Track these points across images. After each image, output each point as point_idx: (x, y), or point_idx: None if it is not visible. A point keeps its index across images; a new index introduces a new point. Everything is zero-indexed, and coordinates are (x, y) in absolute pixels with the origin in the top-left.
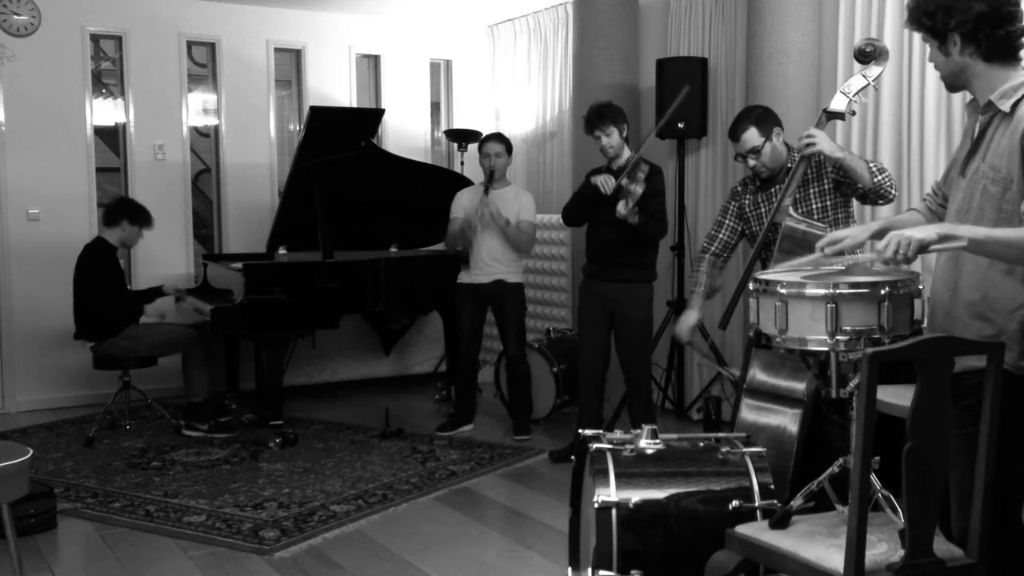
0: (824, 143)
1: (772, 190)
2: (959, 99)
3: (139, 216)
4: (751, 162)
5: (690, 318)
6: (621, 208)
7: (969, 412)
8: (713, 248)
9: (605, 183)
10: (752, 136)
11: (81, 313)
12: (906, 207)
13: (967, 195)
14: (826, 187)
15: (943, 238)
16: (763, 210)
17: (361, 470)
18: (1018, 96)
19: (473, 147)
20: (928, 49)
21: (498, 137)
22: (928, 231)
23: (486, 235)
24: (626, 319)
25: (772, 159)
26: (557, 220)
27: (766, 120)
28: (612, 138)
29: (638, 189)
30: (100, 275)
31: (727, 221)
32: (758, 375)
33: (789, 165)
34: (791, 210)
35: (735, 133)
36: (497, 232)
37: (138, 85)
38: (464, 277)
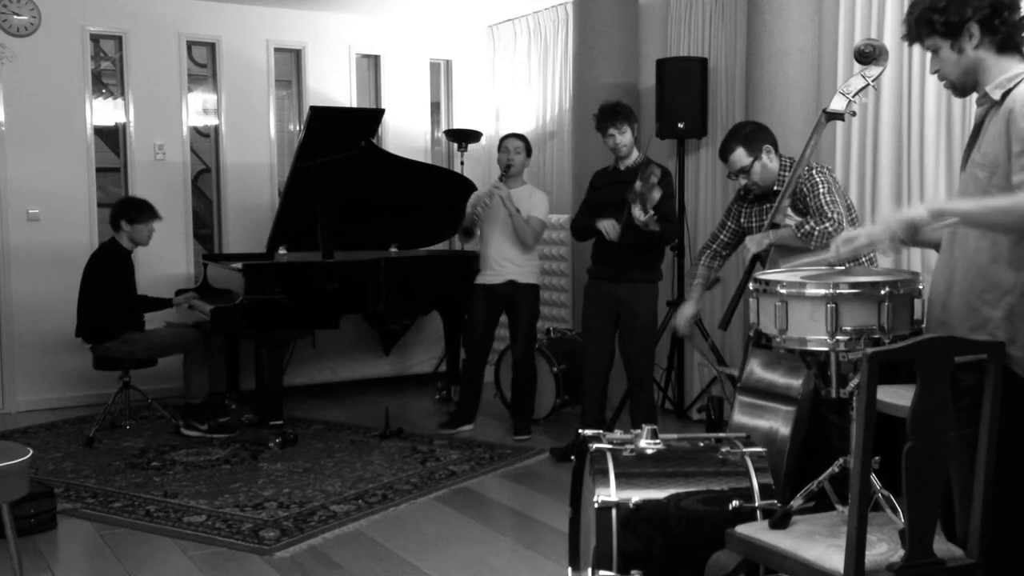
0: (751, 245)
1: (765, 207)
2: (959, 100)
3: (136, 213)
4: (742, 180)
5: (688, 310)
6: (639, 214)
7: (967, 412)
8: (714, 247)
9: (612, 230)
10: (740, 156)
11: (82, 314)
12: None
13: (963, 185)
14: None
15: (934, 215)
16: (754, 224)
17: (361, 470)
18: (1010, 85)
19: (473, 147)
20: (929, 57)
21: (519, 136)
22: (918, 209)
23: (496, 234)
24: (632, 319)
25: (762, 177)
26: (557, 220)
27: (755, 139)
28: (625, 136)
29: (655, 195)
30: (105, 279)
31: (729, 223)
32: (756, 372)
33: (783, 175)
34: (790, 211)
35: (723, 153)
36: (507, 231)
37: (138, 85)
38: (479, 278)
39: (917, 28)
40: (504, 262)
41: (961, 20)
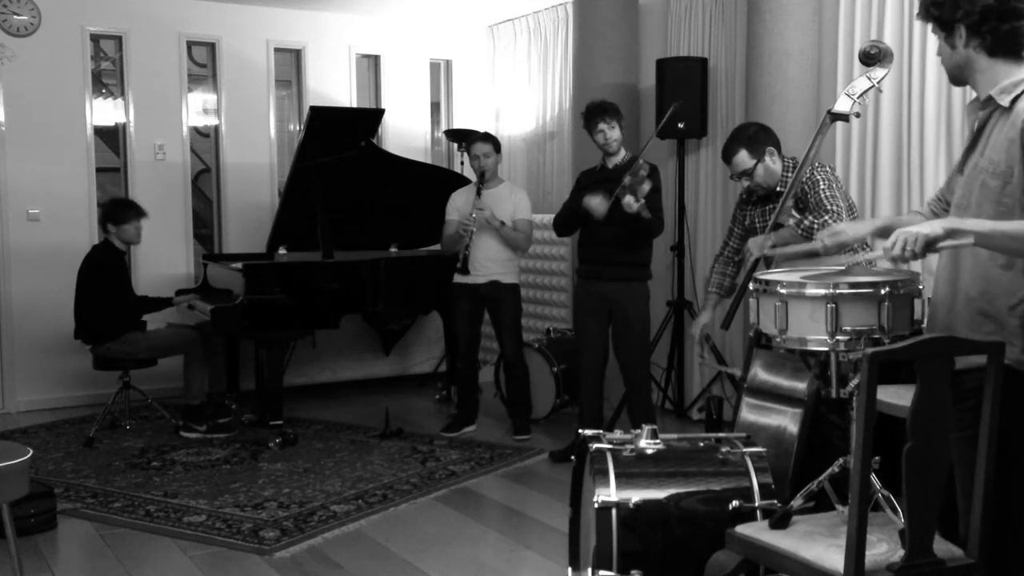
0: (755, 249)
1: (768, 208)
2: (959, 100)
3: (119, 214)
4: (744, 182)
5: (703, 318)
6: (632, 203)
7: (971, 414)
8: (726, 253)
9: (599, 207)
10: (743, 159)
11: (80, 317)
12: (905, 208)
13: (965, 190)
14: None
15: (949, 233)
16: (758, 225)
17: (361, 470)
18: (1018, 91)
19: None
20: (929, 46)
21: (484, 137)
22: (934, 226)
23: (481, 236)
24: (624, 319)
25: (765, 179)
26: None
27: (758, 141)
28: (615, 132)
29: (645, 187)
30: (100, 280)
31: (736, 228)
32: (760, 374)
33: (786, 177)
34: (794, 211)
35: (726, 155)
36: (492, 233)
37: (138, 85)
38: (459, 277)
39: (920, 11)
40: (486, 262)
41: (952, 20)
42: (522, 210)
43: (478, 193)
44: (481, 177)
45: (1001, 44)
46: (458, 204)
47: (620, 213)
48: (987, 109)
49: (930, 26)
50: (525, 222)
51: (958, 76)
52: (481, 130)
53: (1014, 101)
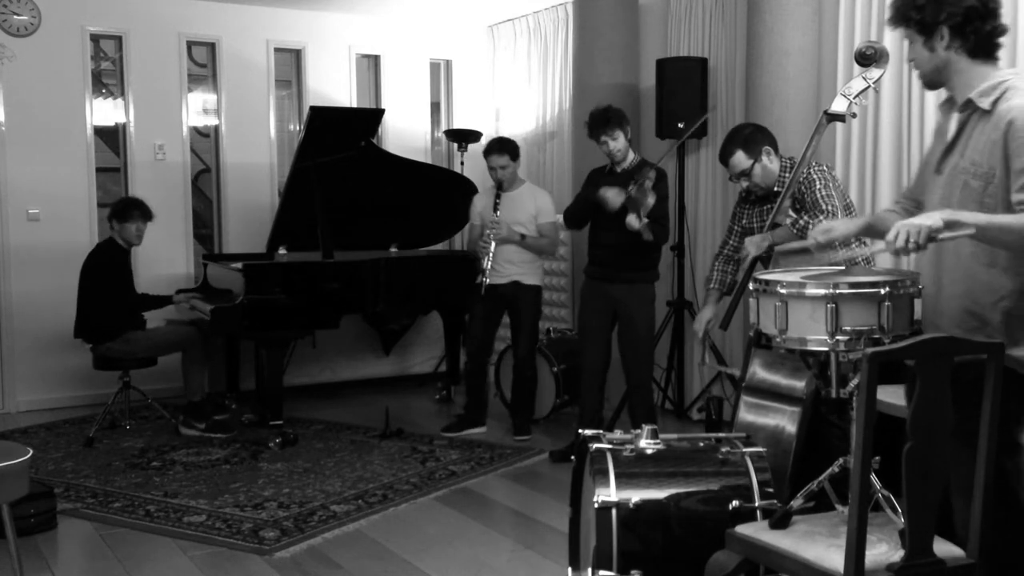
0: (751, 248)
1: (766, 208)
2: None
3: (125, 212)
4: (743, 183)
5: (705, 314)
6: (634, 222)
7: (964, 411)
8: (725, 251)
9: (614, 199)
10: (740, 160)
11: (82, 314)
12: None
13: (946, 192)
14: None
15: (948, 224)
16: (755, 224)
17: (361, 470)
18: (997, 94)
19: (473, 147)
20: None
21: (500, 146)
22: (934, 218)
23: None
24: (629, 319)
25: (763, 178)
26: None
27: (754, 141)
28: (619, 142)
29: (650, 201)
30: (101, 278)
31: (735, 227)
32: (758, 373)
33: (784, 177)
34: (790, 211)
35: (723, 156)
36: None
37: (138, 85)
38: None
39: (896, 18)
40: (507, 264)
41: (935, 22)
42: (545, 212)
43: (496, 202)
44: (499, 188)
45: (982, 45)
46: (479, 208)
47: (625, 216)
48: (965, 112)
49: (906, 31)
50: (549, 225)
51: (935, 80)
52: (495, 136)
53: (995, 104)
